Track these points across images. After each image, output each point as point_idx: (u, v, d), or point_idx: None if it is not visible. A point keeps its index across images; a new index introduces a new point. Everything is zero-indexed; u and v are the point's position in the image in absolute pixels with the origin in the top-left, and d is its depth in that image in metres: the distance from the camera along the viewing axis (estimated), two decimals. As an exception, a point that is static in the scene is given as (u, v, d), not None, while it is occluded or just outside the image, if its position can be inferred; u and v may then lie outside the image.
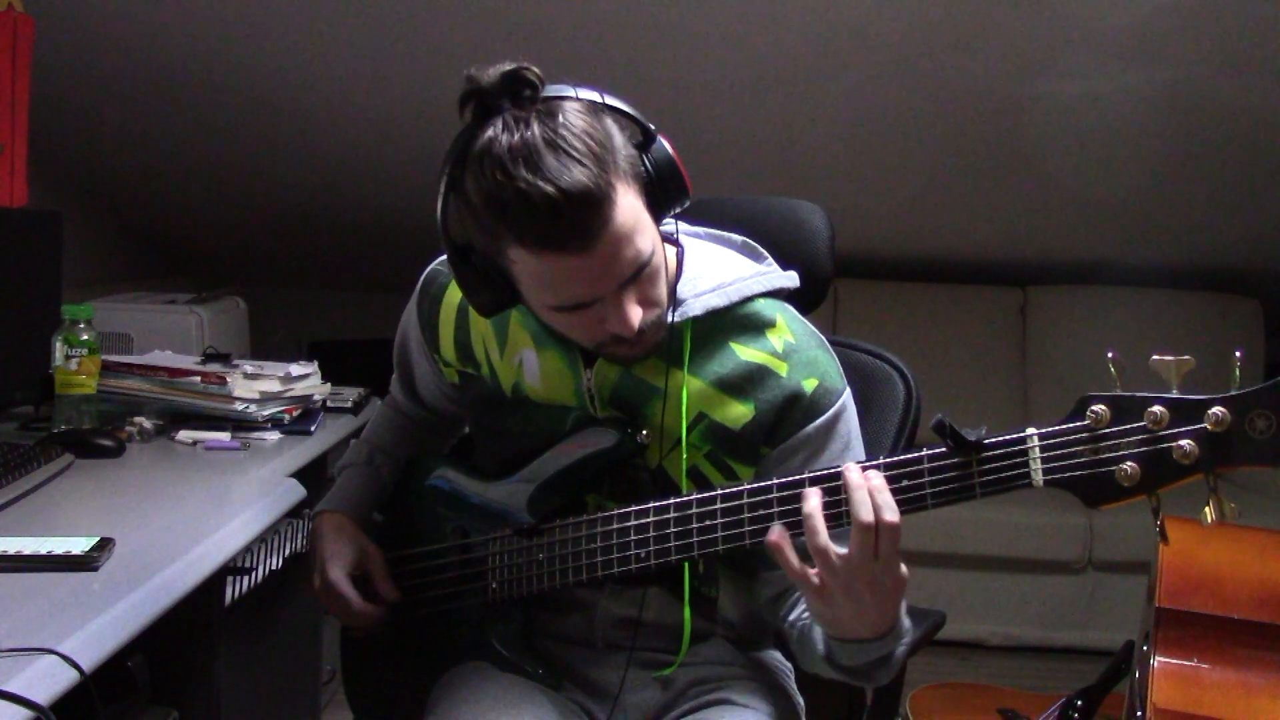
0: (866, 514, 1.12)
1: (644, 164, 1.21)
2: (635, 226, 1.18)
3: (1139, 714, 1.70)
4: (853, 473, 1.14)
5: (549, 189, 1.11)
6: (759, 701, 1.39)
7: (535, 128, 1.13)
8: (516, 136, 1.13)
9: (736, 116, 3.27)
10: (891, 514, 1.12)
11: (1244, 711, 1.65)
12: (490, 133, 1.15)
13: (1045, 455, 1.12)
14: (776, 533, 1.15)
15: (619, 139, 1.19)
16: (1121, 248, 3.81)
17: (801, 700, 1.48)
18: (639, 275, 1.21)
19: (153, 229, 4.03)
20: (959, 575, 3.49)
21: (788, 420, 1.32)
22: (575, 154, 1.13)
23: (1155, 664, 1.71)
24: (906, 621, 1.22)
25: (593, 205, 1.13)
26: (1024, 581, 3.50)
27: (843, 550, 1.12)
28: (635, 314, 1.22)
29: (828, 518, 1.14)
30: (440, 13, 2.88)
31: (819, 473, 1.19)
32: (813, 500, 1.14)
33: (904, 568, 1.14)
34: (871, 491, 1.12)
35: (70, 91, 3.08)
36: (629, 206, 1.17)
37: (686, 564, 1.32)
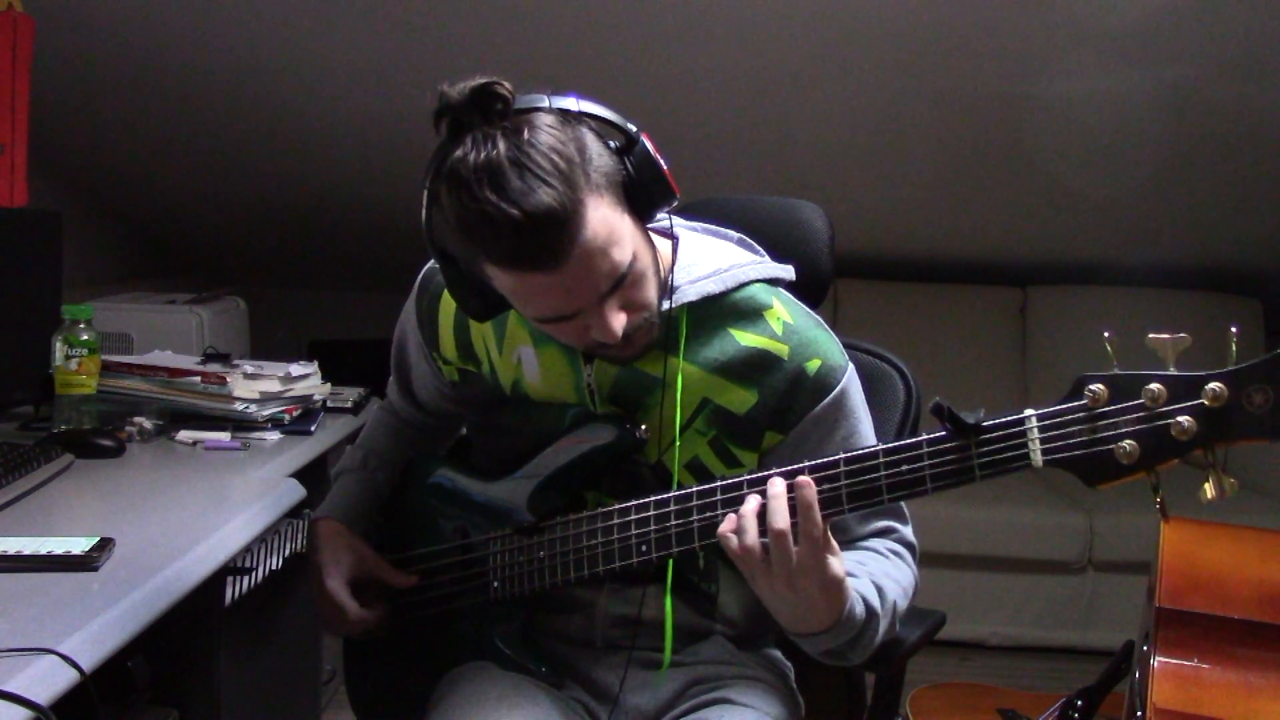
0: (780, 521, 1.16)
1: (626, 168, 1.21)
2: (610, 239, 1.18)
3: (1139, 714, 1.70)
4: (775, 484, 1.18)
5: (513, 211, 1.11)
6: (759, 701, 1.39)
7: (501, 146, 1.13)
8: (483, 156, 1.13)
9: (737, 116, 3.27)
10: (815, 529, 1.15)
11: (1244, 711, 1.65)
12: (459, 152, 1.15)
13: (1044, 435, 1.12)
14: (727, 524, 1.19)
15: (594, 148, 1.18)
16: (1121, 248, 3.82)
17: (801, 700, 1.48)
18: (620, 284, 1.21)
19: (153, 229, 4.03)
20: (959, 575, 3.49)
21: (796, 404, 1.33)
22: (540, 173, 1.12)
23: (1155, 664, 1.71)
24: (860, 611, 1.23)
25: (558, 224, 1.13)
26: (1024, 581, 3.50)
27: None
28: (618, 322, 1.22)
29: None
30: (441, 13, 2.88)
31: (815, 462, 1.20)
32: (751, 502, 1.19)
33: (832, 568, 1.17)
34: (772, 500, 1.17)
35: (70, 91, 3.08)
36: (601, 220, 1.16)
37: (670, 560, 1.32)
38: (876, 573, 1.31)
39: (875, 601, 1.27)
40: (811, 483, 1.17)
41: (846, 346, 1.49)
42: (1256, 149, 3.28)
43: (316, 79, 3.15)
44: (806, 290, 1.44)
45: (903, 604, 1.34)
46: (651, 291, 1.27)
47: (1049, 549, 3.46)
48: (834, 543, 1.18)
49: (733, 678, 1.41)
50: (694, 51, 3.01)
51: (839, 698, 1.58)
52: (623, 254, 1.19)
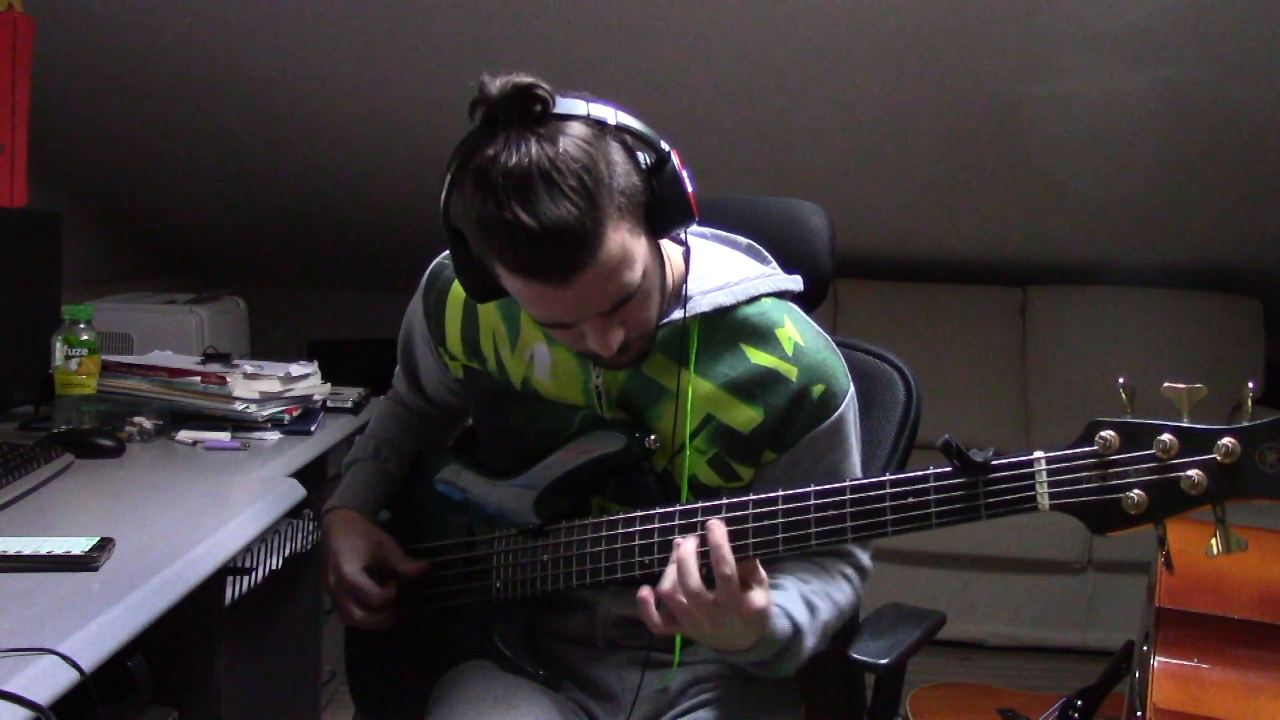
0: (693, 581, 1.17)
1: (651, 185, 1.21)
2: (622, 261, 1.18)
3: (1139, 714, 1.70)
4: (716, 531, 1.19)
5: (533, 224, 1.11)
6: (759, 700, 1.39)
7: (534, 153, 1.13)
8: (514, 161, 1.12)
9: (737, 116, 3.26)
10: (727, 568, 1.17)
11: (1244, 711, 1.65)
12: (491, 150, 1.14)
13: (1052, 479, 1.12)
14: (645, 591, 1.20)
15: (621, 166, 1.18)
16: (1121, 248, 3.81)
17: (801, 700, 1.48)
18: (625, 303, 1.21)
19: (153, 229, 4.03)
20: (959, 575, 3.49)
21: (794, 424, 1.33)
22: (567, 188, 1.12)
23: (1155, 664, 1.71)
24: (784, 628, 1.25)
25: (575, 243, 1.13)
26: (1024, 581, 3.50)
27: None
28: (615, 338, 1.23)
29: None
30: (440, 15, 2.88)
31: (823, 488, 1.21)
32: (688, 544, 1.20)
33: (753, 602, 1.18)
34: (683, 560, 1.18)
35: (70, 91, 3.08)
36: (618, 242, 1.17)
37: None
38: (815, 590, 1.32)
39: (803, 618, 1.28)
40: (719, 524, 1.19)
41: (847, 346, 1.49)
42: (1256, 149, 3.28)
43: (317, 80, 3.15)
44: (807, 290, 1.44)
45: (835, 623, 1.35)
46: (653, 310, 1.28)
47: (1049, 549, 3.46)
48: (760, 571, 1.20)
49: (733, 677, 1.41)
50: (693, 51, 3.01)
51: (839, 698, 1.58)
52: (633, 276, 1.20)
